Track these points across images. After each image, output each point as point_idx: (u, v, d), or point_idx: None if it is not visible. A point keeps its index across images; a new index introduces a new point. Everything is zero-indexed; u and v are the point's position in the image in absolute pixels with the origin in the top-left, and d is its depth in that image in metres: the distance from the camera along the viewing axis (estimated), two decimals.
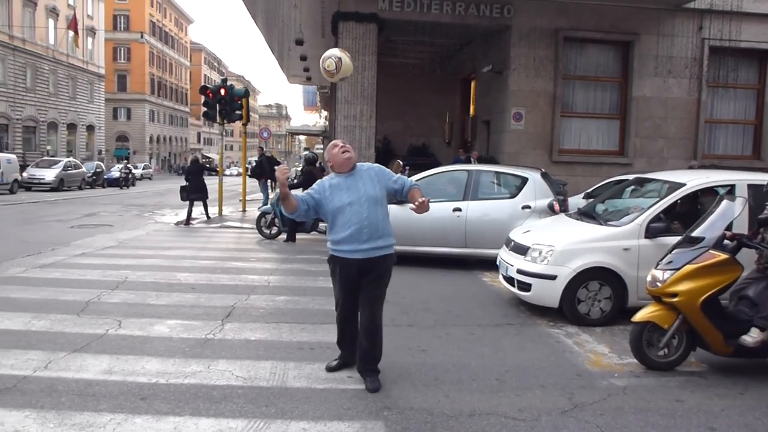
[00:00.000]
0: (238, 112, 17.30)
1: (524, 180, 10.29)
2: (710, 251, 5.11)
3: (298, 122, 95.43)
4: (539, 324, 6.81)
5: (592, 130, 16.90)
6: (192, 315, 6.80)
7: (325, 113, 48.36)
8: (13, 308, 6.80)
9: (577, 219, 7.75)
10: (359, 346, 4.83)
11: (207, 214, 16.76)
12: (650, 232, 6.66)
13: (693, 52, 16.38)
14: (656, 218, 6.72)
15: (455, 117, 22.70)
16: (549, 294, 6.86)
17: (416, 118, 23.06)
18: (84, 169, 34.79)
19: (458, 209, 10.06)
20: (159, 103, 74.25)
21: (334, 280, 4.84)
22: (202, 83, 69.87)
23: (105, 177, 37.26)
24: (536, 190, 10.11)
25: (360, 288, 4.73)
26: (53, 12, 46.30)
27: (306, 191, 4.75)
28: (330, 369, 5.03)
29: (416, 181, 10.48)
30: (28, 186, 29.43)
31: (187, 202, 16.16)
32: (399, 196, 4.84)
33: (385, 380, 4.90)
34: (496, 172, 11.01)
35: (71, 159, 36.00)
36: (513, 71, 16.01)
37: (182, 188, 16.33)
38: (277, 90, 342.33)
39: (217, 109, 16.99)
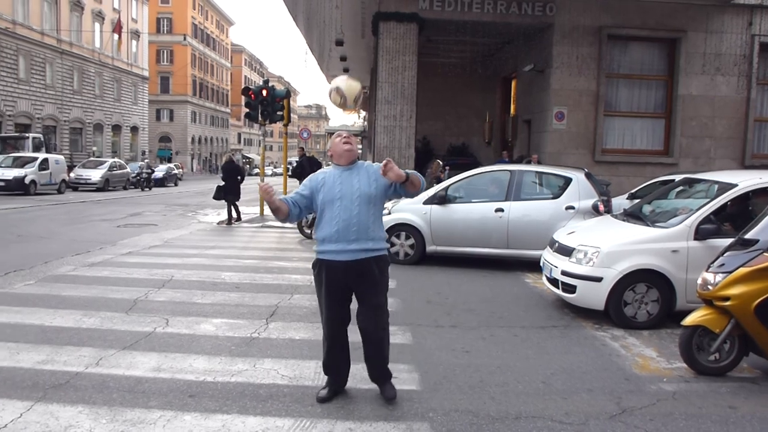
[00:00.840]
0: (279, 113, 17.43)
1: (568, 180, 10.14)
2: (765, 254, 4.98)
3: (337, 122, 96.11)
4: (584, 326, 6.73)
5: (636, 129, 16.65)
6: (237, 314, 6.88)
7: (364, 113, 48.47)
8: (65, 306, 6.97)
9: (624, 220, 7.62)
10: (365, 354, 4.47)
11: (230, 217, 16.45)
12: (700, 234, 6.50)
13: (742, 49, 16.01)
14: (706, 219, 6.56)
15: (495, 117, 22.56)
16: (594, 296, 6.76)
17: (456, 117, 22.99)
18: (128, 170, 35.47)
19: (500, 210, 9.98)
20: (200, 104, 75.34)
21: (319, 289, 4.35)
22: (243, 84, 70.92)
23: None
24: (580, 191, 9.96)
25: (350, 298, 4.36)
26: (99, 16, 47.33)
27: (295, 191, 4.42)
28: (322, 400, 4.42)
29: (457, 181, 10.49)
30: (75, 186, 30.13)
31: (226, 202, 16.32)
32: (396, 189, 4.30)
33: (430, 381, 4.89)
34: (539, 173, 10.87)
35: (116, 159, 36.76)
36: (555, 70, 15.86)
37: (218, 188, 16.52)
38: (316, 90, 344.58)
39: (259, 110, 17.14)
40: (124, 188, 33.38)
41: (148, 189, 33.64)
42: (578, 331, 6.54)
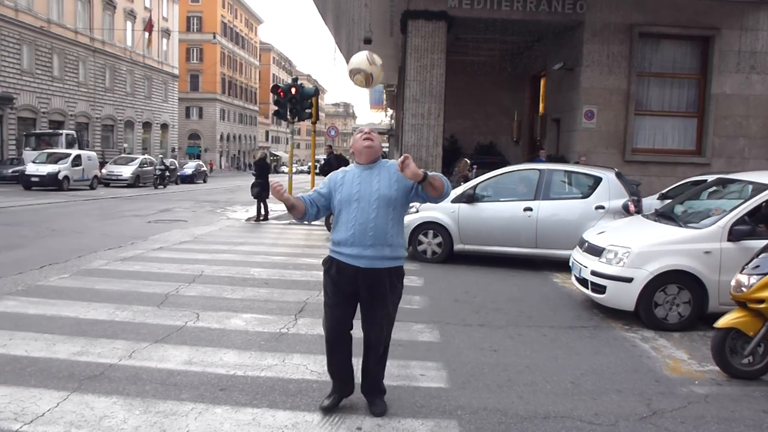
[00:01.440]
0: (308, 111, 17.54)
1: (598, 180, 10.05)
2: None
3: (364, 121, 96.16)
4: (614, 327, 6.68)
5: (667, 128, 16.45)
6: (266, 309, 6.95)
7: (391, 111, 48.52)
8: (99, 299, 7.09)
9: (655, 220, 7.54)
10: (362, 364, 4.22)
11: (259, 213, 16.53)
12: (734, 235, 6.41)
13: None
14: (740, 220, 6.46)
15: (524, 115, 22.44)
16: (625, 297, 6.70)
17: (484, 116, 22.91)
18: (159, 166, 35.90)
19: (529, 209, 9.92)
20: (229, 102, 75.95)
21: (326, 285, 4.06)
22: (271, 82, 71.35)
23: (178, 174, 38.38)
24: (610, 190, 9.85)
25: (358, 303, 4.05)
26: (131, 15, 47.99)
27: (314, 189, 4.14)
28: (326, 408, 4.19)
29: (485, 180, 10.45)
30: (107, 182, 30.59)
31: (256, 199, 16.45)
32: (418, 191, 3.89)
33: (458, 379, 4.90)
34: (569, 172, 10.81)
35: (146, 156, 37.24)
36: (585, 68, 15.74)
37: (253, 185, 16.63)
38: (343, 88, 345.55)
39: (288, 108, 17.26)
40: (154, 185, 33.79)
41: (161, 187, 31.92)
42: (608, 332, 6.49)
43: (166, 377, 4.74)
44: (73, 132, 35.08)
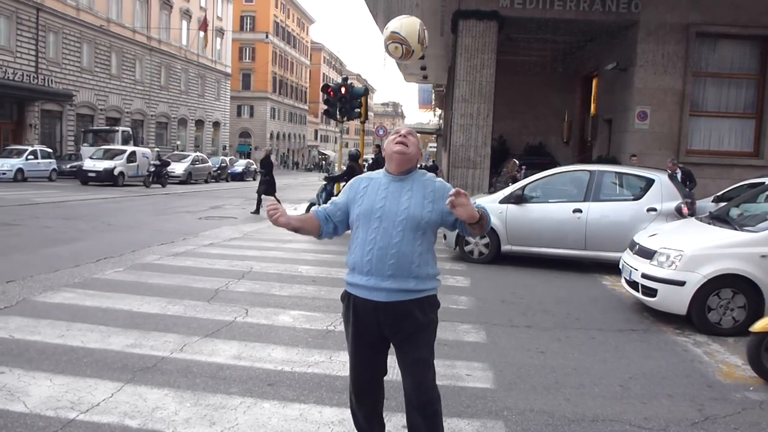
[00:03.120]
0: (357, 110, 17.61)
1: (650, 181, 9.88)
2: None
3: (413, 120, 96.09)
4: (665, 331, 6.55)
5: (723, 129, 16.04)
6: (313, 306, 7.02)
7: (439, 111, 48.42)
8: (152, 293, 7.27)
9: (709, 223, 7.37)
10: (407, 421, 3.26)
11: (258, 208, 17.46)
12: None
13: None
14: None
15: (574, 116, 22.14)
16: (676, 300, 6.57)
17: (534, 117, 22.69)
18: (210, 164, 36.59)
19: (578, 210, 9.81)
20: (280, 101, 76.85)
21: (346, 328, 3.24)
22: (321, 82, 71.83)
23: (229, 171, 39.02)
24: (663, 192, 9.67)
25: (387, 346, 3.20)
26: (186, 14, 49.00)
27: (331, 200, 3.34)
28: None
29: (534, 181, 10.35)
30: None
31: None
32: (458, 225, 3.07)
33: (504, 380, 4.87)
34: (620, 173, 10.67)
35: (199, 153, 37.97)
36: (639, 68, 15.45)
37: (260, 183, 17.52)
38: (393, 88, 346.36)
39: (338, 107, 17.37)
40: (206, 181, 34.43)
41: (159, 186, 28.05)
42: (658, 336, 6.38)
43: (216, 371, 4.83)
44: (128, 129, 36.02)
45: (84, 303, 6.67)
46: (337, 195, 13.28)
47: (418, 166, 3.24)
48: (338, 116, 17.63)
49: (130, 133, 35.04)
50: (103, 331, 5.67)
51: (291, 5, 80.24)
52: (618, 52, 16.67)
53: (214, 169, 36.73)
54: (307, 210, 14.08)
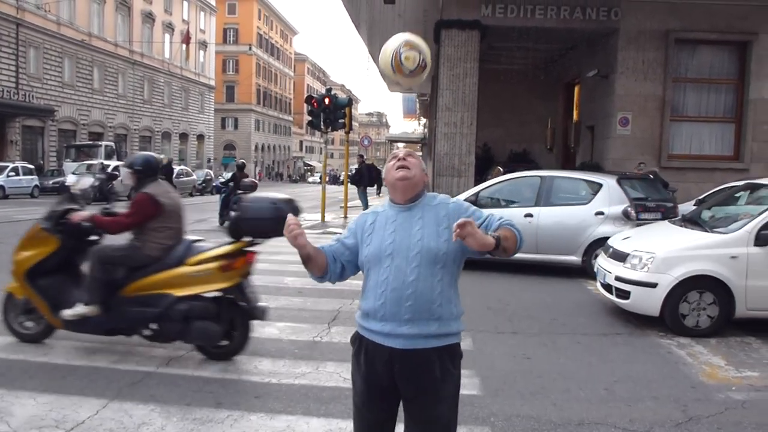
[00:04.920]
0: (341, 120, 17.66)
1: (598, 186, 10.19)
2: None
3: (398, 130, 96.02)
4: (648, 334, 6.61)
5: (704, 134, 16.19)
6: (300, 318, 7.02)
7: (424, 120, 48.55)
8: None
9: (681, 226, 7.49)
10: None
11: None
12: (761, 240, 6.37)
13: None
14: (767, 225, 6.41)
15: (557, 123, 22.28)
16: (649, 302, 6.68)
17: (517, 124, 22.78)
18: (194, 177, 36.47)
19: (530, 215, 10.01)
20: (264, 112, 76.83)
21: (354, 374, 2.79)
22: (305, 93, 71.94)
23: (214, 184, 38.91)
24: (610, 197, 9.99)
25: (399, 400, 2.71)
26: (169, 27, 48.97)
27: (337, 237, 2.91)
28: None
29: (488, 187, 10.68)
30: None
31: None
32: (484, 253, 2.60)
33: (491, 386, 4.90)
34: (570, 178, 10.97)
35: (183, 167, 37.84)
36: (620, 75, 15.59)
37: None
38: (377, 98, 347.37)
39: (322, 118, 17.41)
40: (191, 195, 34.29)
41: (106, 203, 26.90)
42: (642, 339, 6.44)
43: (203, 385, 4.83)
44: (111, 143, 35.87)
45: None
46: (229, 202, 12.88)
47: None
48: (322, 127, 17.67)
49: (114, 147, 34.90)
50: (88, 348, 5.64)
51: (274, 17, 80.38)
52: (599, 59, 16.83)
53: (199, 182, 36.62)
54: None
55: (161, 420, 4.16)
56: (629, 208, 9.79)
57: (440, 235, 2.62)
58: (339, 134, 53.51)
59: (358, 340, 2.77)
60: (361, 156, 21.73)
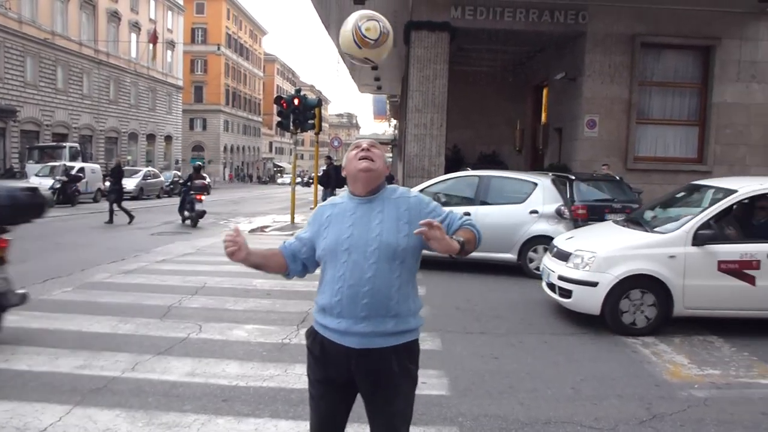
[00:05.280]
0: (311, 121, 17.60)
1: (533, 185, 10.53)
2: None
3: (368, 131, 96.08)
4: (614, 333, 6.69)
5: (669, 137, 16.50)
6: (268, 320, 6.99)
7: (394, 122, 48.64)
8: (102, 312, 7.13)
9: (624, 226, 7.63)
10: None
11: (111, 216, 17.96)
12: (698, 240, 6.52)
13: None
14: (705, 225, 6.58)
15: (526, 125, 22.49)
16: (590, 301, 6.78)
17: (487, 126, 22.94)
18: (162, 179, 36.05)
19: (467, 213, 10.01)
20: (233, 113, 76.23)
21: (309, 367, 2.78)
22: (275, 93, 71.64)
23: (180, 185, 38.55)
24: (545, 196, 10.33)
25: (354, 394, 2.73)
26: (135, 26, 48.29)
27: (296, 234, 2.88)
28: None
29: (427, 186, 10.94)
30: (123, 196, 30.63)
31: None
32: None
33: (459, 386, 4.93)
34: (506, 178, 11.32)
35: (150, 168, 37.37)
36: (587, 78, 15.80)
37: (109, 191, 18.72)
38: (347, 99, 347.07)
39: (291, 118, 17.33)
40: (158, 197, 33.90)
41: (69, 205, 25.00)
42: (608, 338, 6.52)
43: (169, 389, 4.77)
44: (76, 145, 35.19)
45: (30, 325, 6.49)
46: (190, 201, 12.86)
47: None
48: (292, 128, 17.59)
49: (78, 149, 34.24)
50: (51, 354, 5.53)
51: (243, 17, 79.83)
52: (567, 62, 17.03)
53: (167, 183, 36.20)
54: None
55: (126, 425, 4.11)
56: (562, 207, 10.16)
57: (400, 230, 2.56)
58: (309, 135, 53.29)
59: (313, 335, 2.73)
60: (329, 158, 21.65)
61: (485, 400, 4.68)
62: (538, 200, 10.31)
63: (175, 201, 31.22)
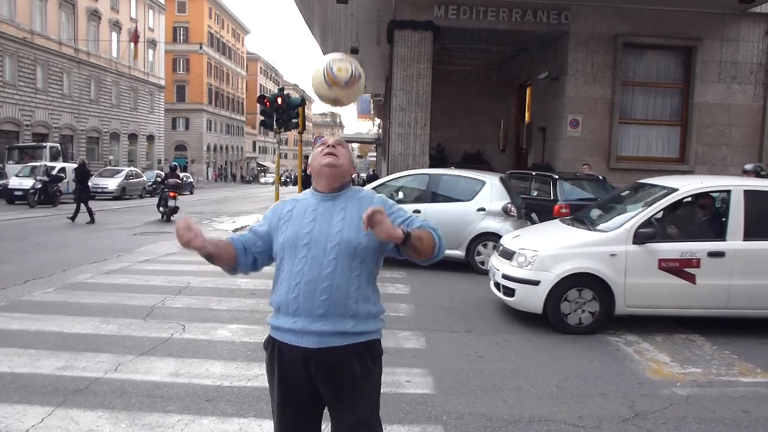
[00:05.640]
0: (294, 120, 17.54)
1: (482, 184, 10.77)
2: None
3: (352, 130, 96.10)
4: (597, 332, 6.73)
5: (651, 136, 16.65)
6: (252, 320, 6.96)
7: (378, 121, 48.67)
8: (84, 313, 7.06)
9: (569, 224, 7.69)
10: None
11: (76, 214, 18.29)
12: (638, 238, 6.58)
13: (759, 57, 16.02)
14: (645, 224, 6.64)
15: (510, 124, 22.58)
16: (532, 299, 6.82)
17: (470, 125, 23.02)
18: (145, 178, 35.79)
19: (417, 210, 10.33)
20: (216, 112, 75.83)
21: (271, 383, 2.67)
22: (258, 92, 71.29)
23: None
24: (492, 194, 10.58)
25: (321, 408, 2.65)
26: (116, 25, 47.87)
27: (250, 227, 2.76)
28: None
29: (380, 185, 11.29)
30: (92, 195, 30.36)
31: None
32: (399, 250, 2.49)
33: (444, 385, 4.93)
34: (455, 176, 11.61)
35: (133, 168, 37.08)
36: (570, 77, 15.89)
37: (75, 190, 19.24)
38: None
39: (274, 118, 17.26)
40: (141, 197, 33.66)
41: (50, 206, 24.73)
42: (591, 337, 6.56)
43: (152, 389, 4.74)
44: (57, 145, 34.80)
45: (10, 327, 6.42)
46: (164, 198, 12.91)
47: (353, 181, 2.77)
48: (275, 127, 17.52)
49: (59, 149, 33.86)
50: (32, 355, 5.48)
51: (225, 16, 79.42)
52: (550, 61, 17.12)
53: (149, 183, 35.95)
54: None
55: (109, 426, 4.07)
56: (509, 205, 10.42)
57: (360, 228, 2.46)
58: (292, 134, 53.15)
59: (270, 344, 2.63)
60: (307, 157, 21.55)
61: (470, 398, 4.69)
62: (486, 198, 10.56)
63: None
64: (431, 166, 16.47)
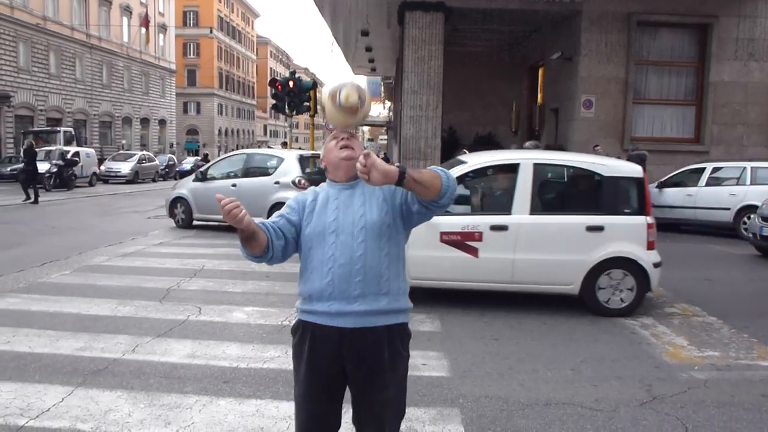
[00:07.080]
0: (306, 103, 17.55)
1: (280, 160, 12.85)
2: None
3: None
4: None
5: (666, 117, 16.46)
6: (267, 302, 6.99)
7: (389, 104, 48.48)
8: (101, 295, 7.12)
9: None
10: None
11: (27, 196, 18.69)
12: None
13: None
14: None
15: (522, 106, 22.39)
16: None
17: (482, 107, 22.83)
18: (157, 162, 35.93)
19: (234, 185, 12.66)
20: (227, 96, 75.85)
21: (297, 367, 2.66)
22: (269, 76, 71.29)
23: (177, 169, 38.37)
24: (288, 169, 12.53)
25: (343, 392, 2.67)
26: (127, 10, 47.87)
27: (279, 212, 2.74)
28: None
29: (214, 163, 13.59)
30: (106, 179, 30.60)
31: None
32: (407, 200, 2.60)
33: (459, 368, 4.94)
34: (263, 155, 14.20)
35: (145, 152, 37.22)
36: (583, 57, 15.72)
37: (20, 171, 19.85)
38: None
39: (286, 101, 17.27)
40: (153, 180, 33.82)
41: (65, 189, 24.65)
42: (607, 320, 6.52)
43: (170, 371, 4.78)
44: (71, 129, 35.01)
45: (30, 308, 6.51)
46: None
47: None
48: (287, 110, 17.54)
49: (73, 133, 34.05)
50: (51, 336, 5.54)
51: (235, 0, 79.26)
52: (562, 41, 16.93)
53: (162, 167, 36.08)
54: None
55: (128, 406, 4.11)
56: (297, 178, 12.20)
57: (381, 209, 2.60)
58: (303, 118, 53.21)
59: (300, 327, 2.66)
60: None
61: (485, 381, 4.69)
62: (282, 172, 12.51)
63: (171, 185, 31.26)
64: (443, 149, 16.41)
